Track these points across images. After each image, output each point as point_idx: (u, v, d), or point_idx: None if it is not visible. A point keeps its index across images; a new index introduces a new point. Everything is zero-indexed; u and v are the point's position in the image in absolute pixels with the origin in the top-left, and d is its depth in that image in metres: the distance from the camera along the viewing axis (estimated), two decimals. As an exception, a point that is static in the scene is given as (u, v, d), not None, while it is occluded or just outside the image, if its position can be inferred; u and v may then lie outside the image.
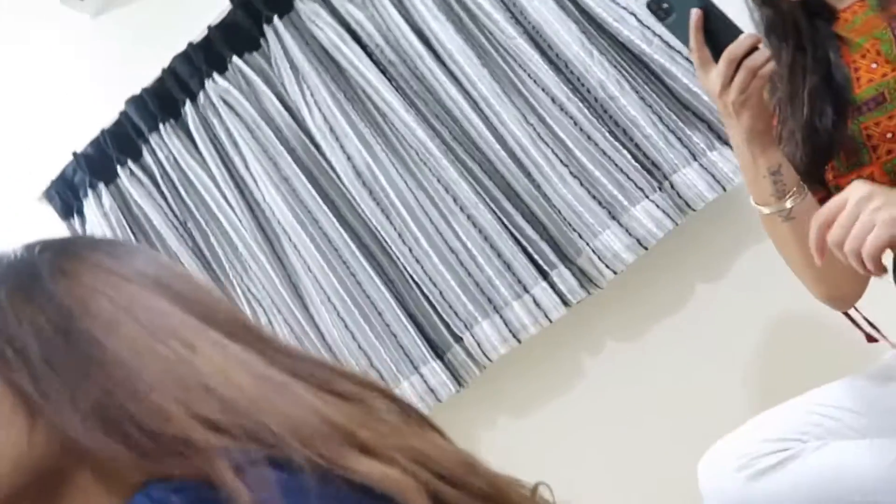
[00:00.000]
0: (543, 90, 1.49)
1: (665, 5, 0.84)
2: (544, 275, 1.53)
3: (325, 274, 1.67)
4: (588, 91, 1.47)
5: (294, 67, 1.64)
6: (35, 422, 0.50)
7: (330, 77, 1.64)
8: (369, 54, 1.61)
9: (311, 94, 1.64)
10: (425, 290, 1.61)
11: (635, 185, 1.46)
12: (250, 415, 0.48)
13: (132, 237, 1.83)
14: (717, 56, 0.82)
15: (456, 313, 1.58)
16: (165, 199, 1.84)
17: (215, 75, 1.71)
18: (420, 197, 1.60)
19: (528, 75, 1.50)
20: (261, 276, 1.76)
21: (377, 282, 1.65)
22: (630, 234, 1.47)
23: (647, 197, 1.45)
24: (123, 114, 1.81)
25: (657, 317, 1.58)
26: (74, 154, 1.86)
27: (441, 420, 0.60)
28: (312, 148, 1.69)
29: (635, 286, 1.55)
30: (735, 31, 0.82)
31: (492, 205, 1.55)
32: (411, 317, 1.65)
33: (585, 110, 1.47)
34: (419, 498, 0.46)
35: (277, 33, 1.64)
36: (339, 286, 1.66)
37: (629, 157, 1.46)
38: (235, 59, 1.69)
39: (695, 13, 0.82)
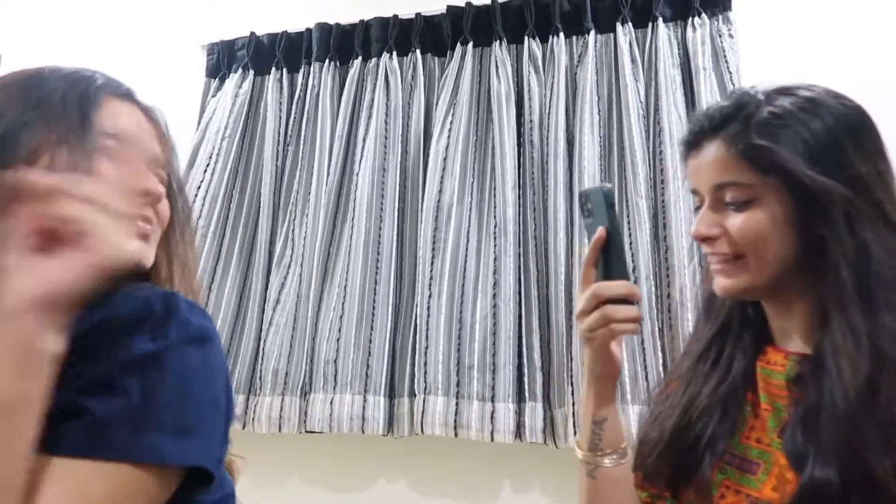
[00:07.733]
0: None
1: (589, 206, 0.84)
2: (520, 398, 1.52)
3: (360, 266, 1.71)
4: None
5: (455, 90, 1.72)
6: None
7: (475, 121, 1.71)
8: (520, 124, 1.67)
9: (451, 122, 1.71)
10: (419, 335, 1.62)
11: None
12: None
13: (240, 125, 1.94)
14: (604, 277, 0.81)
15: (426, 372, 1.58)
16: (288, 118, 1.94)
17: (395, 54, 1.81)
18: (469, 262, 1.63)
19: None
20: (308, 230, 1.81)
21: (388, 306, 1.68)
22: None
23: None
24: (308, 30, 1.94)
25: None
26: (252, 34, 2.00)
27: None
28: (421, 164, 1.75)
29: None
30: (623, 271, 0.81)
31: (519, 310, 1.56)
32: (392, 347, 1.66)
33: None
34: None
35: (464, 55, 1.73)
36: (359, 285, 1.69)
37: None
38: (419, 52, 1.79)
39: (599, 231, 0.81)
